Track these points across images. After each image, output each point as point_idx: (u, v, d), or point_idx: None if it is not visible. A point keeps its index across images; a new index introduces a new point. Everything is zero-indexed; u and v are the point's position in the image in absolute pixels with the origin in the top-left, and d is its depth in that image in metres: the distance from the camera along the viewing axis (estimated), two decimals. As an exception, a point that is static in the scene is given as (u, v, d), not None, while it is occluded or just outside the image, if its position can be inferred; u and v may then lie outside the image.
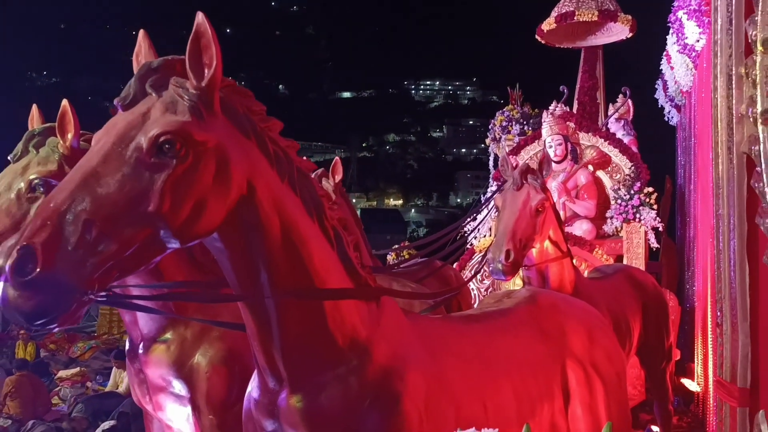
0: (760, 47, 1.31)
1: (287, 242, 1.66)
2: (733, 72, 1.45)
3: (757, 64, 1.32)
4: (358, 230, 4.25)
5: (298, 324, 1.69)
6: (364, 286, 1.87)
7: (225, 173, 1.50)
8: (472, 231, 6.91)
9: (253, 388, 1.88)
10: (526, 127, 9.47)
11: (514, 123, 9.73)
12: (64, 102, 2.35)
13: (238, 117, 1.58)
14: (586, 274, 4.89)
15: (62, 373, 8.47)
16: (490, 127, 10.06)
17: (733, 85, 1.43)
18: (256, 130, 1.62)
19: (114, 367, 7.79)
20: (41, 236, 1.24)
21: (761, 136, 1.30)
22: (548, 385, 2.36)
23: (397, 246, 9.45)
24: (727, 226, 1.45)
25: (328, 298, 1.73)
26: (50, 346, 10.92)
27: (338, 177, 4.05)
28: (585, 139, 7.36)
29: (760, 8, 1.33)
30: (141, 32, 1.58)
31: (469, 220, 6.67)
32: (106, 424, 6.46)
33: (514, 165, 3.49)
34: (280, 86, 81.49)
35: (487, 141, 10.29)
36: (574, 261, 5.78)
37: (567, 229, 6.69)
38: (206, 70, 1.47)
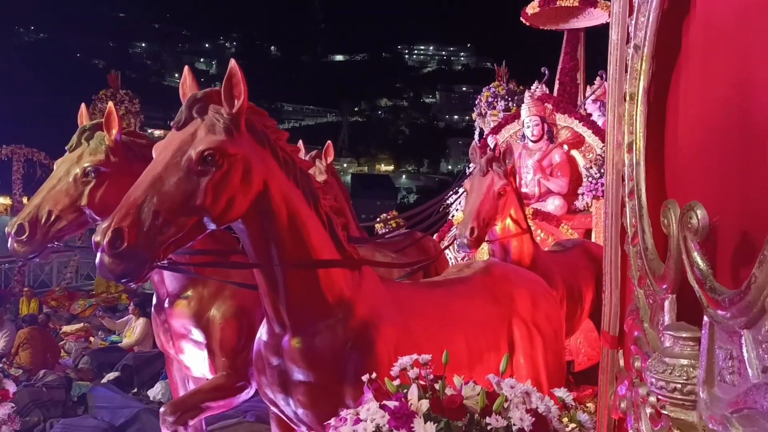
0: (627, 98, 1.85)
1: (292, 225, 2.22)
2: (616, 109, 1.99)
3: (626, 112, 1.86)
4: (347, 205, 4.80)
5: (299, 285, 2.27)
6: (349, 258, 2.44)
7: (249, 176, 2.06)
8: (453, 203, 7.42)
9: (262, 333, 2.46)
10: (510, 104, 9.91)
11: (499, 99, 10.18)
12: (110, 104, 2.88)
13: (257, 133, 2.13)
14: (551, 246, 5.50)
15: (66, 328, 8.87)
16: (476, 102, 10.52)
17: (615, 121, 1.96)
18: (270, 141, 2.17)
19: (132, 316, 8.19)
20: (126, 222, 1.81)
21: (626, 161, 1.86)
22: (496, 339, 2.95)
23: (385, 215, 10.02)
24: (611, 220, 2.01)
25: (321, 267, 2.30)
26: (52, 303, 11.19)
27: (330, 158, 4.57)
28: (561, 120, 7.81)
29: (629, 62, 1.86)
30: (186, 68, 2.12)
31: (451, 193, 7.23)
32: (111, 375, 6.92)
33: (481, 153, 4.03)
34: (272, 48, 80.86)
35: (473, 116, 10.75)
36: (542, 235, 6.38)
37: (540, 205, 7.24)
38: (236, 101, 2.02)
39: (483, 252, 5.02)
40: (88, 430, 5.24)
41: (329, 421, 1.69)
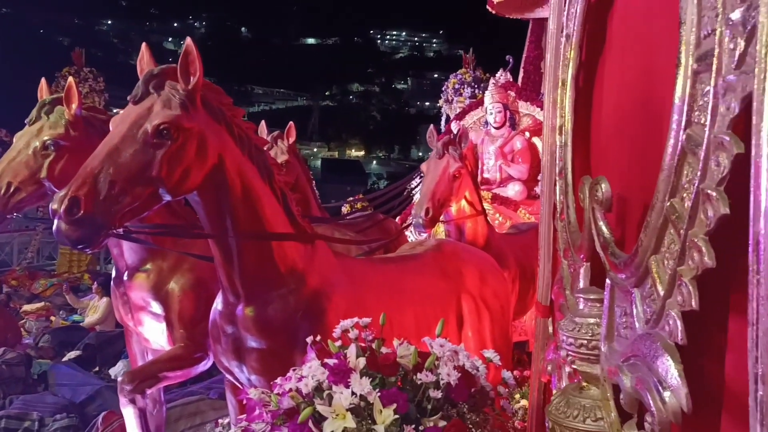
0: (560, 84, 1.99)
1: (246, 198, 2.33)
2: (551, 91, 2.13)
3: (558, 97, 2.00)
4: (309, 186, 4.90)
5: (252, 256, 2.37)
6: (302, 232, 2.55)
7: (203, 150, 2.16)
8: (415, 187, 7.58)
9: (218, 303, 2.57)
10: (477, 91, 10.07)
11: (466, 86, 10.34)
12: (70, 79, 2.93)
13: (213, 109, 2.22)
14: (507, 229, 5.68)
15: (27, 307, 8.80)
16: (443, 89, 10.65)
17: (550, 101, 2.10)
18: (225, 117, 2.26)
19: (95, 295, 8.17)
20: (83, 190, 1.90)
21: (557, 142, 2.00)
22: (445, 312, 3.09)
23: (351, 198, 10.13)
24: (545, 198, 2.16)
25: (273, 239, 2.41)
26: (12, 283, 11.07)
27: (291, 139, 4.66)
28: (523, 107, 7.99)
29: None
30: (144, 45, 2.20)
31: (416, 177, 7.36)
32: (72, 354, 6.94)
33: (437, 137, 4.17)
34: (243, 29, 79.80)
35: (440, 102, 10.89)
36: (500, 218, 6.56)
37: (501, 190, 7.43)
38: (192, 78, 2.11)
39: (440, 233, 5.16)
40: (48, 406, 5.26)
41: (276, 380, 1.81)
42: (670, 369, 1.09)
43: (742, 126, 0.88)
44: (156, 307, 3.17)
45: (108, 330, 7.69)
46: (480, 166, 7.53)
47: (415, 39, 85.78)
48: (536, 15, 9.70)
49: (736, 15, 0.90)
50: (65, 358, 6.79)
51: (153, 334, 3.27)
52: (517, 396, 3.99)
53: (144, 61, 2.20)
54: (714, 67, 0.95)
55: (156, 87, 2.10)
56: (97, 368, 6.81)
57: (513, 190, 7.41)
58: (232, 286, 2.43)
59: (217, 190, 2.26)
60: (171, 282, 3.16)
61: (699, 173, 0.99)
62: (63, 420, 5.07)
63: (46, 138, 2.93)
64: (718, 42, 0.95)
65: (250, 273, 2.40)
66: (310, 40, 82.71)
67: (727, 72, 0.93)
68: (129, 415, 3.01)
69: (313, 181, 5.37)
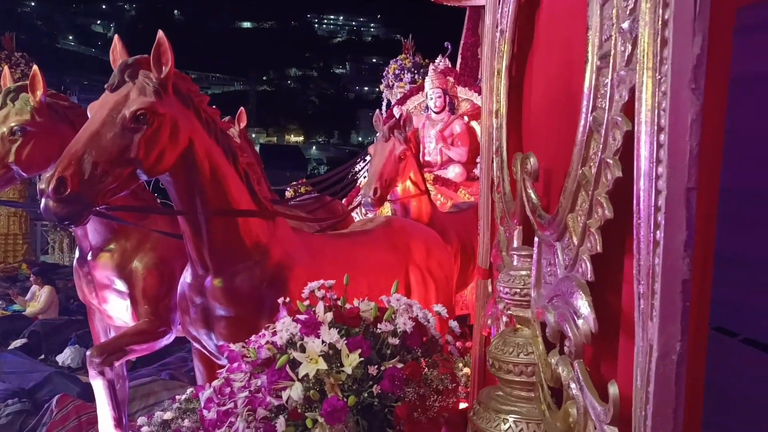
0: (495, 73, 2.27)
1: (213, 178, 2.53)
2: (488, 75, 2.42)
3: (495, 85, 2.29)
4: (259, 168, 5.08)
5: (220, 231, 2.59)
6: (264, 209, 2.77)
7: (176, 133, 2.35)
8: (360, 170, 7.81)
9: (186, 276, 2.76)
10: (417, 76, 10.33)
11: (406, 72, 10.59)
12: (35, 67, 3.04)
13: (183, 96, 2.42)
14: (449, 208, 6.01)
15: (-35, 298, 8.69)
16: (383, 74, 10.88)
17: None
18: (194, 103, 2.46)
19: (35, 286, 8.10)
20: (69, 171, 2.07)
21: (494, 125, 2.29)
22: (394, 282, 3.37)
23: (295, 183, 10.28)
24: (484, 174, 2.45)
25: (239, 216, 2.62)
26: None
27: (243, 124, 4.83)
28: (462, 92, 8.30)
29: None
30: (116, 37, 2.37)
31: (359, 161, 7.60)
32: (18, 342, 6.92)
33: (383, 121, 4.44)
34: (176, 12, 77.69)
35: (381, 87, 11.11)
36: (441, 199, 6.88)
37: (442, 172, 7.75)
38: (164, 67, 2.30)
39: (386, 211, 5.44)
40: (-2, 393, 5.29)
41: (250, 338, 2.04)
42: (582, 301, 1.38)
43: (631, 110, 1.17)
44: (120, 285, 3.32)
45: (53, 318, 7.66)
46: (422, 150, 7.83)
47: (353, 23, 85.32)
48: (473, 3, 10.06)
49: (625, 25, 1.19)
50: (10, 347, 6.76)
51: (117, 311, 3.42)
52: (460, 364, 4.33)
53: (117, 51, 2.37)
54: (611, 64, 1.24)
55: (131, 76, 2.28)
56: (43, 356, 6.81)
57: (453, 172, 7.74)
58: (201, 260, 2.64)
59: (187, 171, 2.46)
60: (135, 261, 3.32)
61: (601, 146, 1.28)
62: (15, 405, 5.11)
63: (13, 124, 3.05)
64: (614, 45, 1.23)
65: (218, 247, 2.61)
66: (246, 24, 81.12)
67: (620, 68, 1.22)
68: (98, 387, 3.17)
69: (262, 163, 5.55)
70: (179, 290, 2.81)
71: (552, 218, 1.58)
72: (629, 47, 1.17)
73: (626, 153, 1.20)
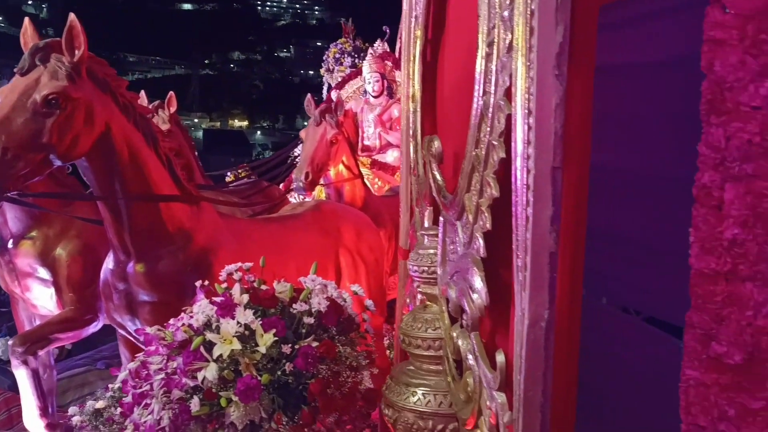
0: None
1: (132, 163, 2.51)
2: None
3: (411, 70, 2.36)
4: (192, 154, 5.03)
5: (141, 217, 2.57)
6: (187, 194, 2.77)
7: (91, 118, 2.32)
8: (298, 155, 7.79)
9: (108, 263, 2.74)
10: (357, 60, 10.32)
11: (346, 56, 10.56)
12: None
13: (98, 80, 2.39)
14: (385, 192, 6.07)
15: None
16: (324, 58, 10.82)
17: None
18: (110, 88, 2.43)
19: None
20: None
21: (410, 109, 2.35)
22: (324, 266, 3.42)
23: (234, 169, 10.17)
24: (404, 158, 2.51)
25: (159, 201, 2.62)
26: None
27: (173, 108, 4.76)
28: (400, 76, 8.36)
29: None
30: (26, 19, 2.31)
31: (299, 145, 7.58)
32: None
33: (317, 106, 4.45)
34: (113, -8, 74.97)
35: (322, 71, 11.06)
36: (379, 183, 6.94)
37: (380, 156, 7.81)
38: (77, 51, 2.26)
39: (321, 196, 5.47)
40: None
41: (169, 321, 2.06)
42: (476, 277, 1.46)
43: (510, 94, 1.24)
44: (44, 273, 3.27)
45: (-20, 310, 7.42)
46: (360, 134, 7.86)
47: (297, 6, 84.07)
48: (410, -13, 10.14)
49: (506, 14, 1.25)
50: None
51: (41, 299, 3.36)
52: (387, 342, 4.43)
53: (28, 34, 2.32)
54: (495, 51, 1.31)
55: (42, 59, 2.24)
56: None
57: (392, 156, 7.81)
58: (123, 245, 2.62)
59: (105, 156, 2.44)
60: (58, 248, 3.26)
61: (489, 129, 1.35)
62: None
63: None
64: (498, 33, 1.30)
65: (139, 232, 2.60)
66: (186, 6, 78.96)
67: (502, 55, 1.28)
68: (21, 376, 3.12)
69: (196, 151, 5.49)
70: (102, 277, 2.79)
71: (453, 198, 1.65)
72: (509, 35, 1.24)
73: (510, 135, 1.27)
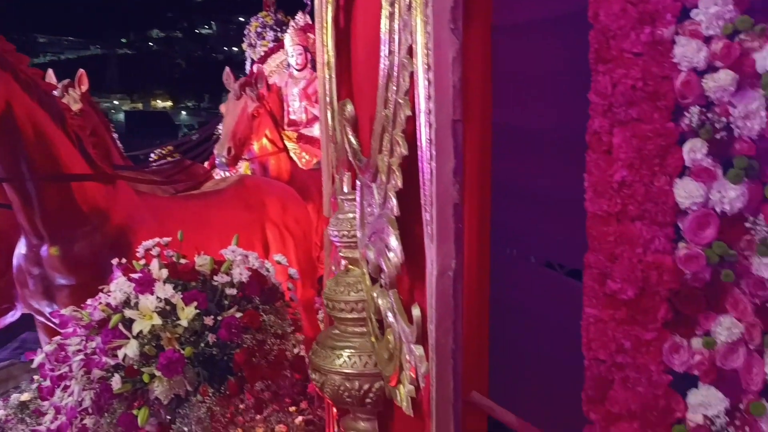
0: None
1: (39, 142, 2.41)
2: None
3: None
4: (108, 134, 4.84)
5: (52, 198, 2.48)
6: (101, 173, 2.68)
7: None
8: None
9: (20, 248, 2.63)
10: (280, 34, 10.12)
11: (268, 29, 10.34)
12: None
13: None
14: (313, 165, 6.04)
15: None
16: (245, 32, 10.57)
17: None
18: (10, 65, 2.31)
19: None
20: None
21: (326, 76, 2.35)
22: (251, 241, 3.38)
23: (158, 148, 9.87)
24: (323, 125, 2.51)
25: (70, 181, 2.52)
26: None
27: (84, 87, 4.55)
28: (322, 48, 8.27)
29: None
30: None
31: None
32: None
33: (234, 78, 4.36)
34: (18, -31, 70.63)
35: (244, 46, 10.80)
36: (306, 157, 6.90)
37: (308, 130, 7.75)
38: None
39: (247, 171, 5.39)
40: None
41: (87, 302, 2.00)
42: (391, 236, 1.48)
43: (413, 51, 1.26)
44: (-48, 264, 3.11)
45: None
46: (286, 108, 7.75)
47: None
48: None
49: (405, -28, 1.26)
50: None
51: (-49, 291, 3.20)
52: (320, 315, 4.44)
53: None
54: (397, 10, 1.32)
55: None
56: None
57: (319, 130, 7.75)
58: (34, 229, 2.52)
59: (7, 136, 2.32)
60: None
61: (395, 88, 1.37)
62: None
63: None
64: (399, -9, 1.31)
65: (51, 214, 2.50)
66: (99, -18, 75.33)
67: (404, 13, 1.29)
68: (-65, 372, 2.98)
69: (114, 131, 5.28)
70: (14, 263, 2.67)
71: (367, 161, 1.66)
72: (409, -7, 1.25)
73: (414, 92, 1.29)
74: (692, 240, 1.04)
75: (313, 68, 8.16)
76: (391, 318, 1.54)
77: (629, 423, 1.09)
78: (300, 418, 2.48)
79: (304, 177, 4.89)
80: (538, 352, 1.42)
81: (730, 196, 1.01)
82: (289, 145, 5.50)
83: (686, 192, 1.03)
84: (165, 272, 1.91)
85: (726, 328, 1.05)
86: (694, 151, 1.02)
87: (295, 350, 2.08)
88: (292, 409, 2.71)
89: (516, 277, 1.46)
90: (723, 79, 0.98)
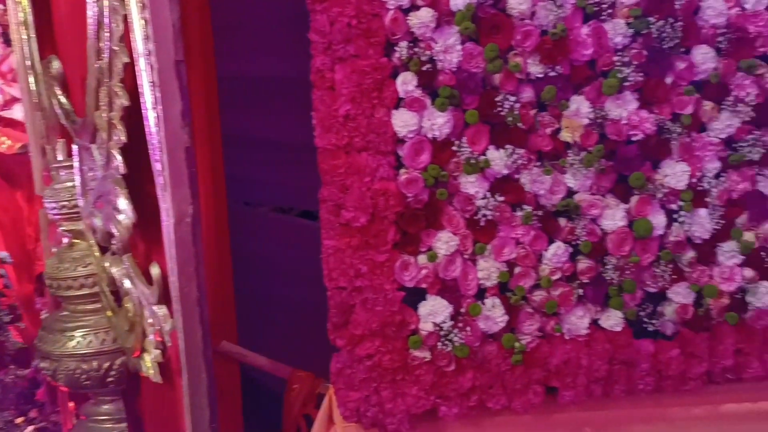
0: None
1: None
2: None
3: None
4: None
5: None
6: None
7: None
8: None
9: None
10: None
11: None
12: None
13: None
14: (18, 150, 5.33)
15: None
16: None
17: None
18: None
19: None
20: None
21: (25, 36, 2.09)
22: None
23: None
24: (26, 96, 2.23)
25: None
26: None
27: None
28: (16, 21, 7.32)
29: None
30: None
31: None
32: None
33: None
34: None
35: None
36: (8, 142, 6.08)
37: (7, 113, 6.77)
38: None
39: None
40: None
41: None
42: (120, 197, 1.39)
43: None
44: None
45: None
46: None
47: None
48: None
49: None
50: None
51: None
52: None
53: None
54: (101, -53, 1.22)
55: None
56: None
57: (21, 112, 6.86)
58: None
59: None
60: None
61: (108, 34, 1.27)
62: None
63: None
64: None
65: None
66: None
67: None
68: None
69: None
70: None
71: (83, 121, 1.53)
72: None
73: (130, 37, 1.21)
74: (411, 165, 1.15)
75: (6, 43, 7.17)
76: (128, 284, 1.45)
77: (371, 342, 1.18)
78: (31, 428, 2.26)
79: (9, 163, 4.30)
80: (281, 293, 1.45)
81: (438, 122, 1.13)
82: (-15, 128, 4.79)
83: (402, 122, 1.13)
84: None
85: (445, 242, 1.18)
86: (406, 83, 1.12)
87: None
88: (19, 420, 2.44)
89: (253, 225, 1.48)
90: (424, 16, 1.09)
